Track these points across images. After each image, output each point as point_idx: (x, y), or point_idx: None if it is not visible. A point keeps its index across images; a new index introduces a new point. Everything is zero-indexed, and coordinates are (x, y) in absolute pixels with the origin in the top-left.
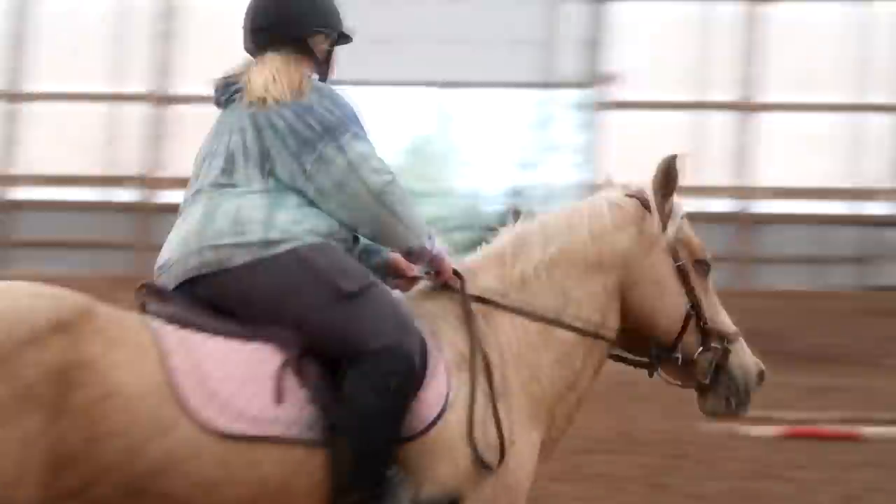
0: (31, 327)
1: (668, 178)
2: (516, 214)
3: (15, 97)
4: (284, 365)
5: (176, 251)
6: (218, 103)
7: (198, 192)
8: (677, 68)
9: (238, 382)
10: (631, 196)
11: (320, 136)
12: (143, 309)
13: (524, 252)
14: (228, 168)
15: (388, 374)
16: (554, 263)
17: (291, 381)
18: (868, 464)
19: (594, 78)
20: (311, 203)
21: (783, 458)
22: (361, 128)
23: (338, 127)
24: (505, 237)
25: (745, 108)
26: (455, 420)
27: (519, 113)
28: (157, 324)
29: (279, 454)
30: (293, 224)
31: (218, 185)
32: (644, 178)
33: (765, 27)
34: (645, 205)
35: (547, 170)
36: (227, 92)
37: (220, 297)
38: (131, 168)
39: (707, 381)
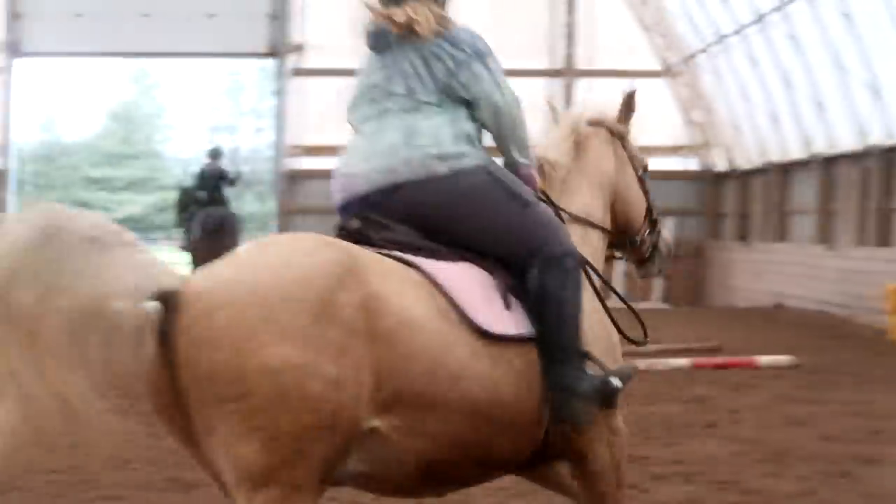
0: (335, 273)
1: (628, 108)
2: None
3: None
4: (494, 277)
5: (377, 162)
6: (374, 48)
7: (384, 112)
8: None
9: (480, 295)
10: (597, 124)
11: (470, 56)
12: (340, 234)
13: (563, 180)
14: (410, 93)
15: (575, 274)
16: (578, 185)
17: (503, 290)
18: None
19: (282, 48)
20: (473, 118)
21: None
22: (492, 55)
23: (482, 52)
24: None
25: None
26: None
27: (216, 81)
28: (399, 254)
29: (524, 350)
30: (468, 140)
31: (405, 108)
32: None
33: None
34: (612, 132)
35: (242, 133)
36: (383, 37)
37: (418, 206)
38: None
39: (647, 255)
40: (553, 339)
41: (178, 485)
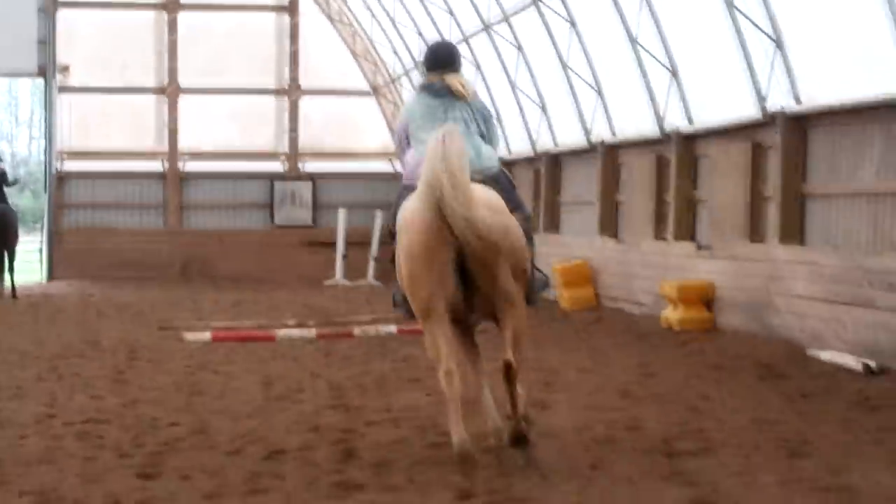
0: None
1: None
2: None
3: None
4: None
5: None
6: (434, 94)
7: (456, 123)
8: (115, 60)
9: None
10: None
11: (489, 117)
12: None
13: None
14: (466, 128)
15: (531, 220)
16: None
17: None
18: (280, 357)
19: (50, 68)
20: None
21: (215, 357)
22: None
23: (491, 114)
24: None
25: (165, 91)
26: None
27: None
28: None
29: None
30: (496, 157)
31: (468, 134)
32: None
33: (178, 30)
34: None
35: (19, 140)
36: (443, 90)
37: (486, 182)
38: None
39: None
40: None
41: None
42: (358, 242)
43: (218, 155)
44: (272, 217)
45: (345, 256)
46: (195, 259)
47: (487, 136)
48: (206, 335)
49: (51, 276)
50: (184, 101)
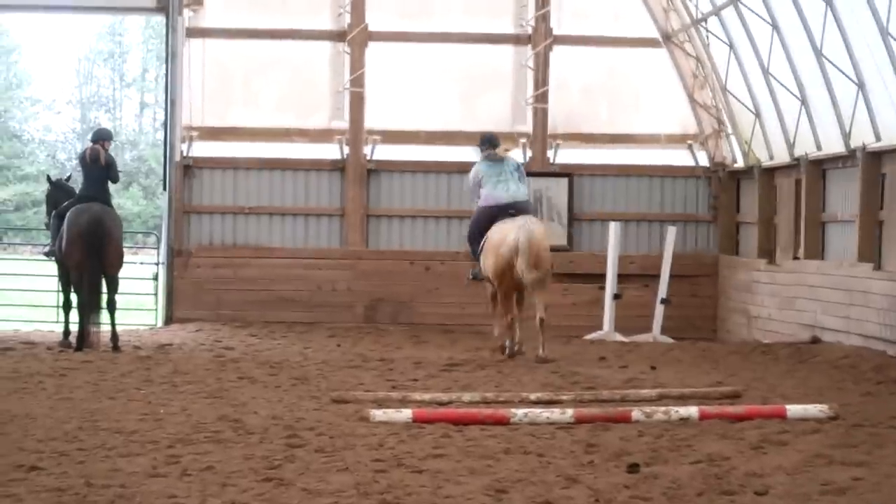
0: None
1: None
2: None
3: None
4: None
5: (516, 198)
6: (493, 161)
7: (507, 181)
8: None
9: None
10: None
11: (521, 170)
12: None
13: None
14: (514, 177)
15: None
16: None
17: None
18: (517, 450)
19: (175, 1)
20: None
21: (418, 447)
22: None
23: (522, 166)
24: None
25: (346, 37)
26: None
27: (90, 43)
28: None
29: None
30: (527, 190)
31: (515, 180)
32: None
33: None
34: None
35: (124, 110)
36: (496, 156)
37: (525, 207)
38: None
39: None
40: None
41: None
42: (636, 275)
43: (424, 136)
44: None
45: (617, 297)
46: (387, 296)
47: (523, 180)
48: (405, 413)
49: (169, 316)
50: (374, 53)
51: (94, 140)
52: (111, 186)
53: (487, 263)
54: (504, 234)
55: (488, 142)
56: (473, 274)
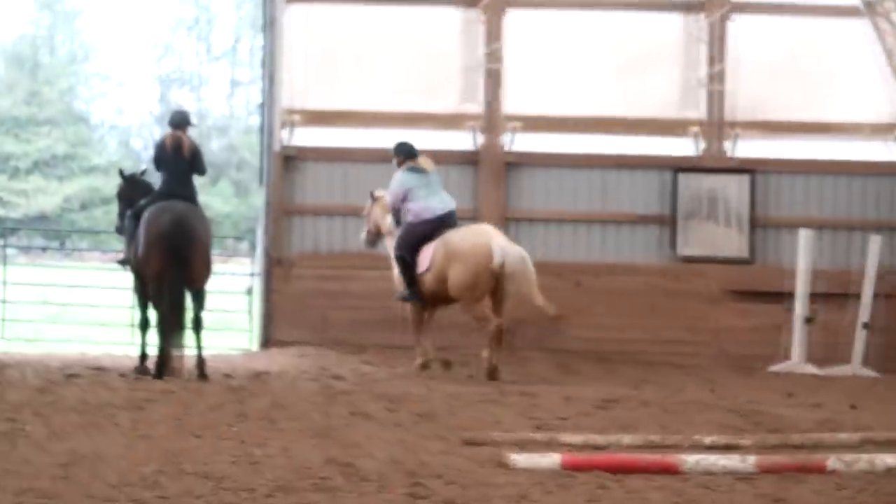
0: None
1: None
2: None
3: None
4: None
5: (451, 209)
6: (417, 173)
7: (437, 192)
8: None
9: None
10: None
11: (441, 181)
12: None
13: None
14: (441, 187)
15: None
16: None
17: None
18: None
19: None
20: None
21: (570, 500)
22: None
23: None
24: None
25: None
26: None
27: (170, 9)
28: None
29: None
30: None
31: (443, 190)
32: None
33: None
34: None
35: (211, 89)
36: (418, 166)
37: (454, 216)
38: None
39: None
40: None
41: None
42: (829, 294)
43: (573, 123)
44: (672, 241)
45: (809, 320)
46: (529, 316)
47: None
48: (552, 459)
49: (266, 338)
50: (513, 22)
51: (174, 125)
52: (197, 181)
53: (453, 274)
54: (471, 241)
55: (406, 152)
56: (402, 295)
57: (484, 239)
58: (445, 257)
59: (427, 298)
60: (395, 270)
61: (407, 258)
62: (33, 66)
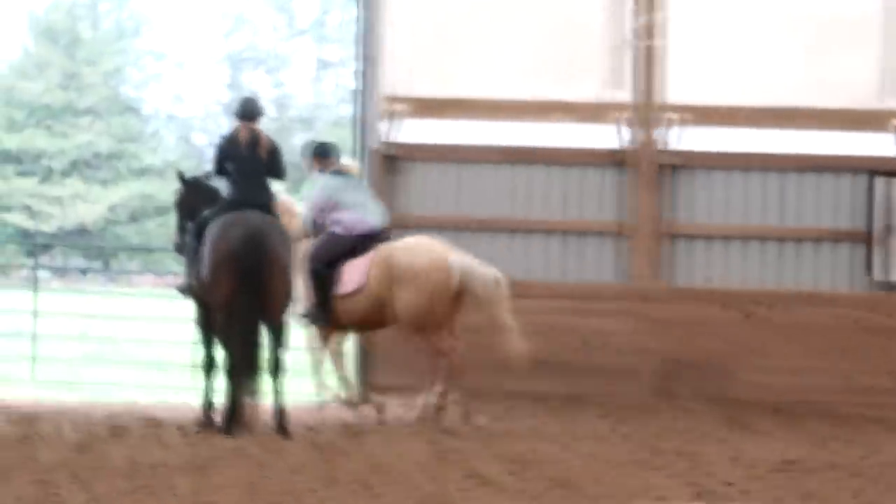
0: None
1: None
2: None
3: None
4: None
5: (383, 223)
6: (342, 178)
7: (366, 202)
8: None
9: None
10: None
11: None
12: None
13: None
14: (368, 193)
15: None
16: None
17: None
18: None
19: None
20: None
21: None
22: None
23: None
24: None
25: None
26: None
27: None
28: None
29: None
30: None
31: (370, 198)
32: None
33: None
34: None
35: (293, 71)
36: (344, 170)
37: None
38: None
39: None
40: None
41: None
42: None
43: (747, 114)
44: (868, 263)
45: None
46: (690, 356)
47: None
48: None
49: (363, 384)
50: None
51: (246, 116)
52: (274, 186)
53: (403, 298)
54: (426, 258)
55: (328, 153)
56: (309, 316)
57: (439, 255)
58: (389, 278)
59: (351, 324)
60: (303, 285)
61: (322, 273)
62: (71, 41)
